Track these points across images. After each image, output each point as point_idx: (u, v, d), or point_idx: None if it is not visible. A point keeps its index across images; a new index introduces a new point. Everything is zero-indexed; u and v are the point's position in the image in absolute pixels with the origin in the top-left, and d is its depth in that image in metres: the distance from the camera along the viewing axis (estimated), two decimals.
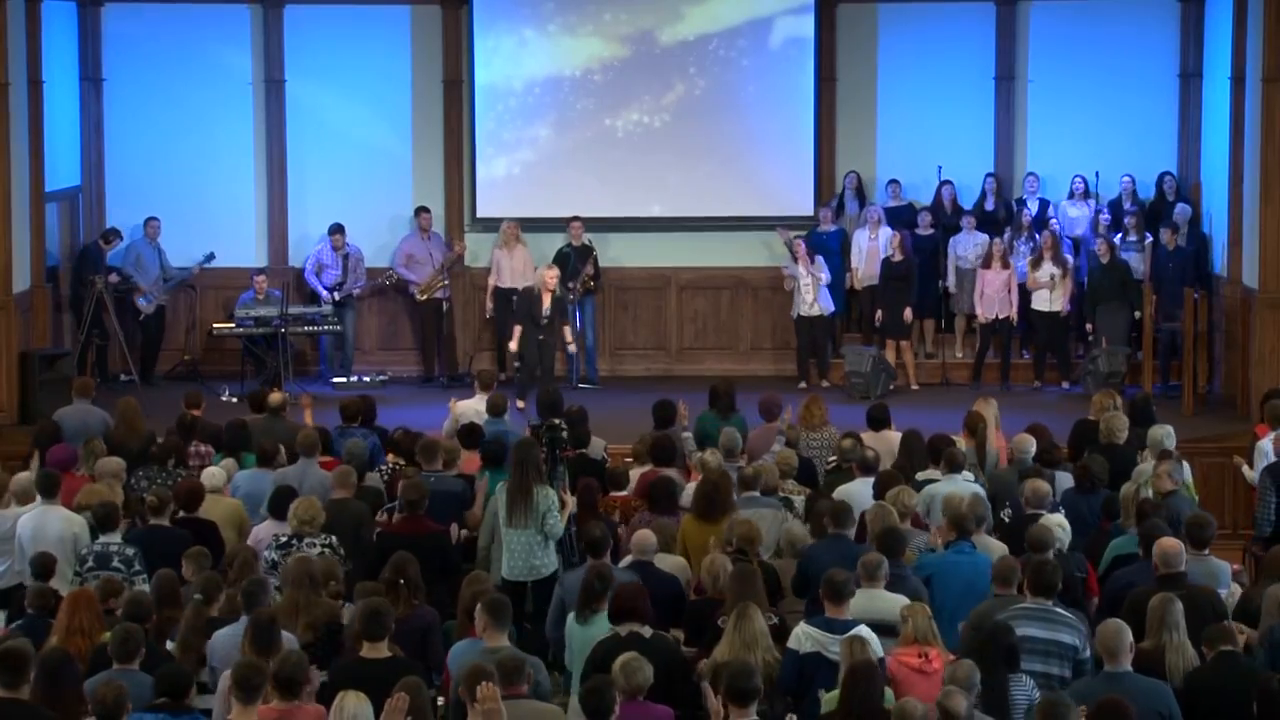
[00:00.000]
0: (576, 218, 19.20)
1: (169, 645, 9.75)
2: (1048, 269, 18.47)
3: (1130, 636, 8.78)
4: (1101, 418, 13.51)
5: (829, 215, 19.29)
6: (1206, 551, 10.60)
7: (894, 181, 19.56)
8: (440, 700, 9.52)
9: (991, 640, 8.91)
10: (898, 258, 18.65)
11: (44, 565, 10.75)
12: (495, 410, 14.13)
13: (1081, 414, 14.65)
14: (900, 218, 19.26)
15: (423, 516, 11.52)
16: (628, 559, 10.87)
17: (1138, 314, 18.28)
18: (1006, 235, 19.09)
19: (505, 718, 7.95)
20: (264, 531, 11.69)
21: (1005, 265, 18.61)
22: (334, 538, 11.27)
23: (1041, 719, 8.03)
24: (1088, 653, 9.32)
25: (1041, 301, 18.60)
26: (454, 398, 15.24)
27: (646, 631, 9.37)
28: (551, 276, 17.78)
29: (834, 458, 13.43)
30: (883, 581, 9.95)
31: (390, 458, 13.54)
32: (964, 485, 12.04)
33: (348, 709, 8.02)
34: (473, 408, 14.62)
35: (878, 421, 14.05)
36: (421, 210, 19.50)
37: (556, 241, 19.46)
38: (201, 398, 15.09)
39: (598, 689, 8.20)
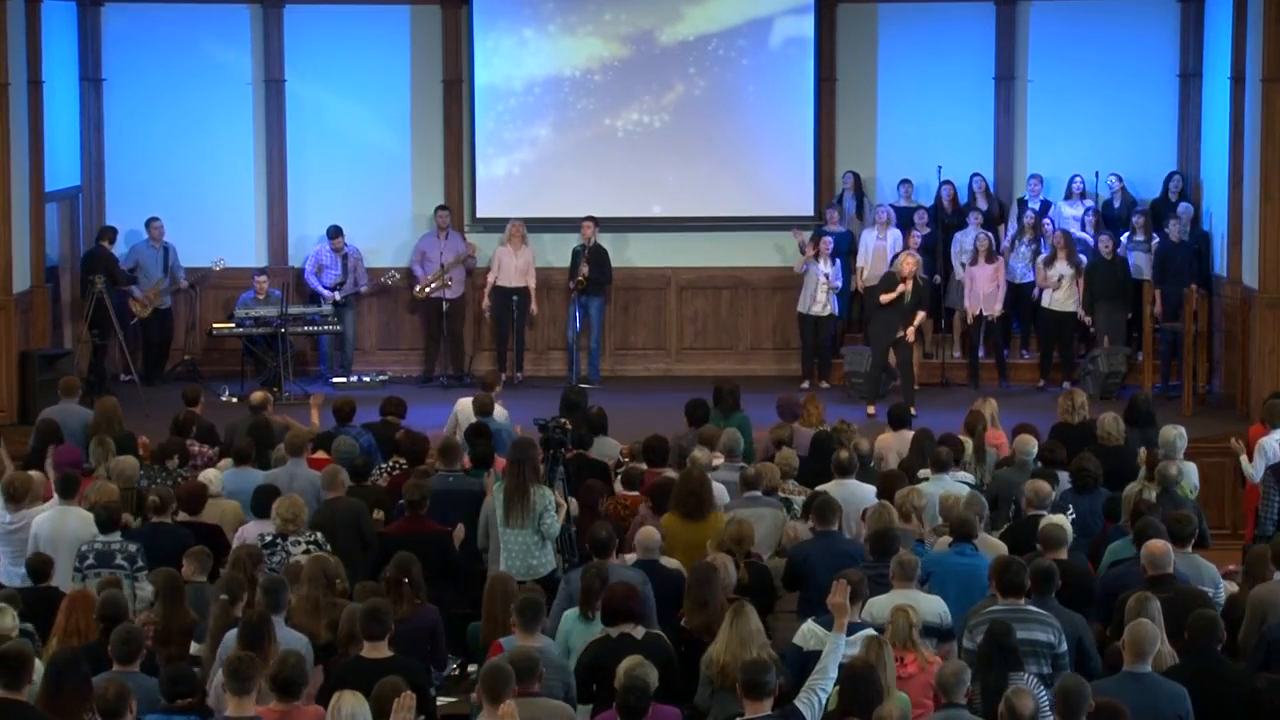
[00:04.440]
0: (590, 218, 19.18)
1: (195, 646, 9.73)
2: (1059, 268, 18.46)
3: (1159, 640, 8.79)
4: (1099, 419, 13.50)
5: (835, 215, 19.28)
6: (1189, 549, 10.61)
7: (905, 182, 19.51)
8: (440, 700, 9.54)
9: (991, 641, 8.92)
10: None
11: (41, 567, 10.73)
12: (482, 409, 14.14)
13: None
14: (908, 218, 19.23)
15: (424, 517, 11.50)
16: (632, 557, 10.86)
17: (1130, 315, 18.31)
18: (1008, 234, 19.09)
19: None
20: (249, 532, 11.68)
21: (991, 259, 18.61)
22: (319, 534, 11.28)
23: (1061, 703, 8.03)
24: (1064, 647, 9.34)
25: (1050, 300, 18.59)
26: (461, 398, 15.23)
27: (638, 632, 9.40)
28: (910, 263, 17.48)
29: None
30: (915, 582, 9.96)
31: (394, 459, 13.52)
32: (952, 485, 12.04)
33: (345, 709, 8.02)
34: (465, 404, 14.65)
35: (898, 421, 14.06)
36: (439, 209, 19.49)
37: (557, 242, 19.46)
38: (199, 394, 15.10)
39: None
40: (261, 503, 11.84)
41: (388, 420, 14.39)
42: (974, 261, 18.68)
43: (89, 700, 8.59)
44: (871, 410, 17.41)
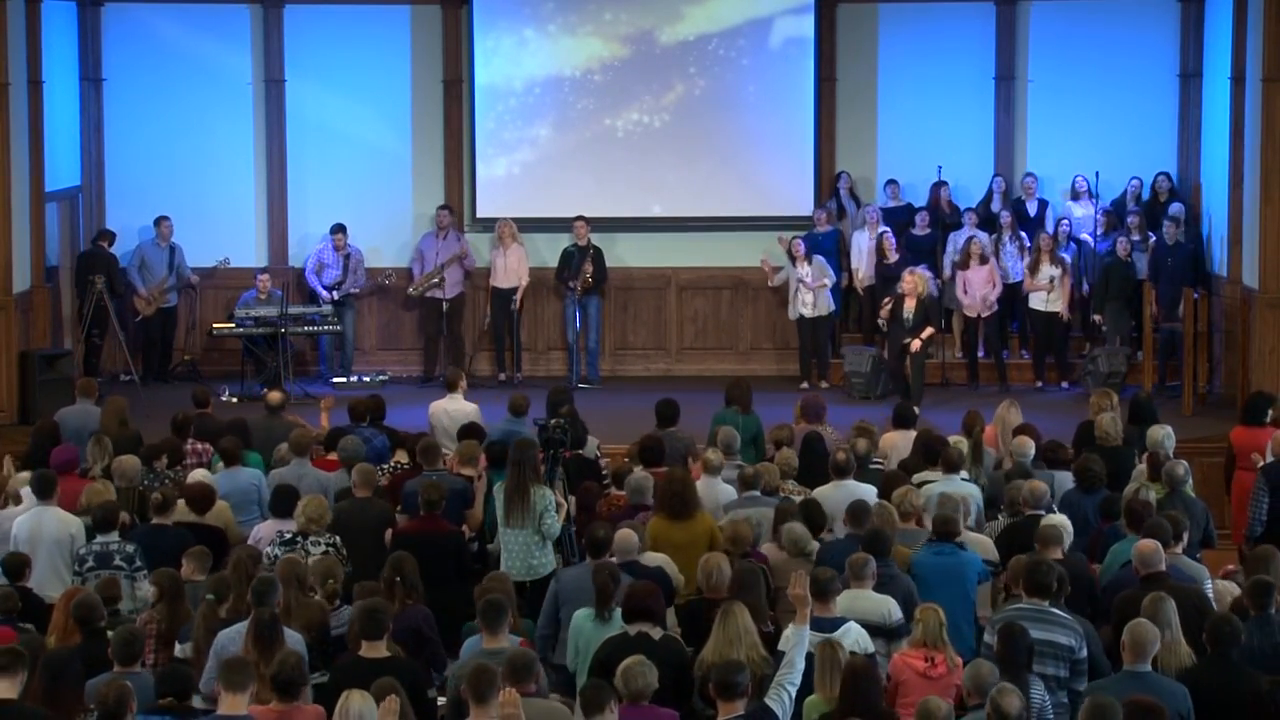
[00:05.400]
0: (581, 218, 19.21)
1: (180, 647, 9.73)
2: (1047, 270, 18.47)
3: (1158, 639, 8.79)
4: (1096, 419, 13.49)
5: (823, 216, 19.28)
6: (1179, 550, 10.61)
7: (892, 182, 19.57)
8: (440, 700, 9.53)
9: (1008, 642, 8.90)
10: (891, 258, 18.69)
11: (16, 566, 10.73)
12: (517, 410, 14.11)
13: (1082, 414, 14.63)
14: (897, 218, 19.26)
15: (439, 516, 11.52)
16: (614, 559, 10.83)
17: (1134, 323, 18.34)
18: (996, 235, 19.10)
19: None
20: (265, 530, 11.69)
21: (983, 262, 18.62)
22: (338, 537, 11.28)
23: None
24: (1084, 653, 9.32)
25: (1040, 302, 18.60)
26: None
27: (656, 633, 9.37)
28: (909, 281, 17.75)
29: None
30: (870, 581, 9.94)
31: (395, 458, 13.52)
32: (961, 485, 12.03)
33: (353, 709, 8.01)
34: (443, 408, 14.66)
35: (902, 420, 14.05)
36: (440, 209, 19.50)
37: (557, 242, 19.48)
38: (210, 397, 15.11)
39: (597, 686, 8.21)
40: (281, 502, 11.81)
41: (375, 424, 14.34)
42: (965, 265, 18.69)
43: (83, 699, 8.61)
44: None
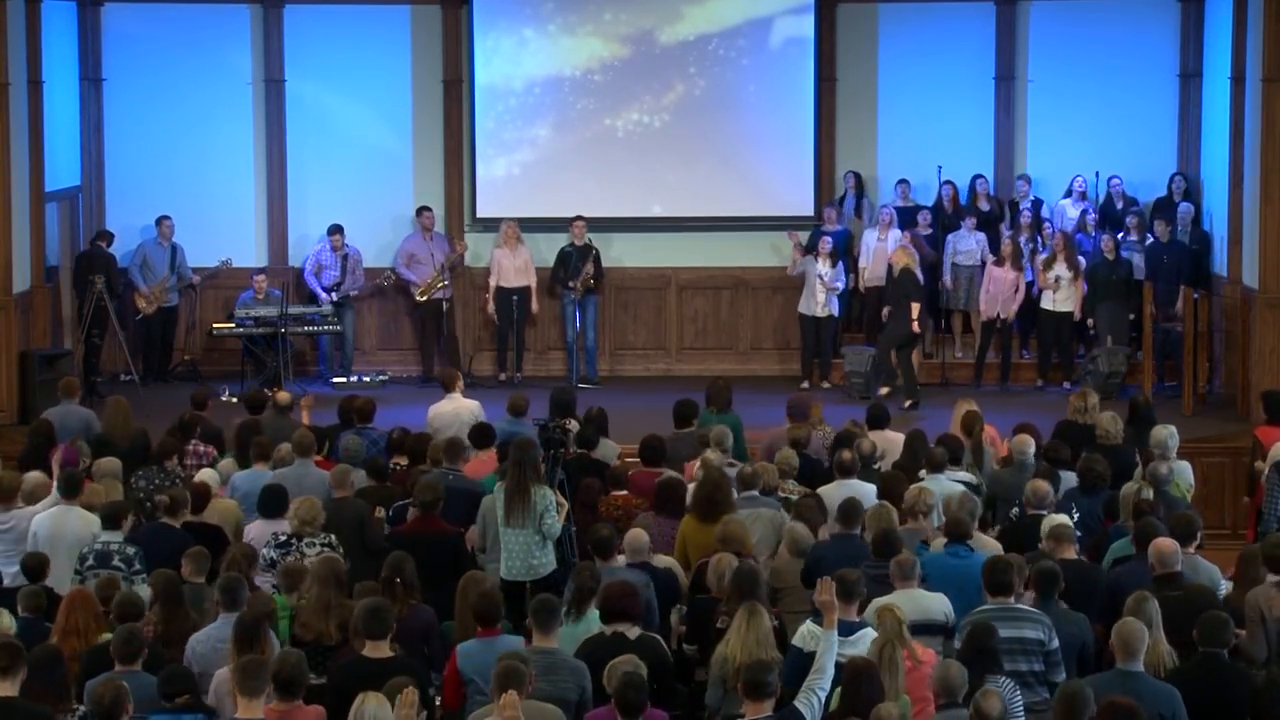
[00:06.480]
0: (579, 217, 19.22)
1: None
2: (1058, 270, 18.44)
3: (1148, 637, 8.78)
4: (1097, 418, 13.48)
5: (833, 215, 19.26)
6: (1193, 550, 10.61)
7: (903, 182, 19.51)
8: (439, 700, 9.53)
9: (970, 643, 8.92)
10: (928, 256, 18.70)
11: (36, 566, 10.73)
12: (516, 411, 14.13)
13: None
14: (906, 218, 19.23)
15: (436, 517, 11.51)
16: (623, 559, 10.84)
17: (1132, 316, 18.33)
18: (1006, 234, 19.05)
19: None
20: (256, 531, 11.67)
21: (1017, 265, 18.58)
22: (333, 537, 11.27)
23: (1062, 708, 8.04)
24: (1055, 644, 9.35)
25: (1050, 301, 18.58)
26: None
27: (633, 632, 9.40)
28: (893, 256, 17.99)
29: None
30: (916, 581, 9.93)
31: (394, 459, 13.50)
32: (949, 485, 12.01)
33: (368, 712, 8.00)
34: (442, 410, 14.65)
35: (877, 420, 14.06)
36: (424, 210, 19.50)
37: (557, 241, 19.48)
38: (209, 398, 15.10)
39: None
40: (269, 502, 11.80)
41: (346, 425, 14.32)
42: (999, 263, 18.65)
43: (65, 699, 8.62)
44: (909, 403, 17.51)
